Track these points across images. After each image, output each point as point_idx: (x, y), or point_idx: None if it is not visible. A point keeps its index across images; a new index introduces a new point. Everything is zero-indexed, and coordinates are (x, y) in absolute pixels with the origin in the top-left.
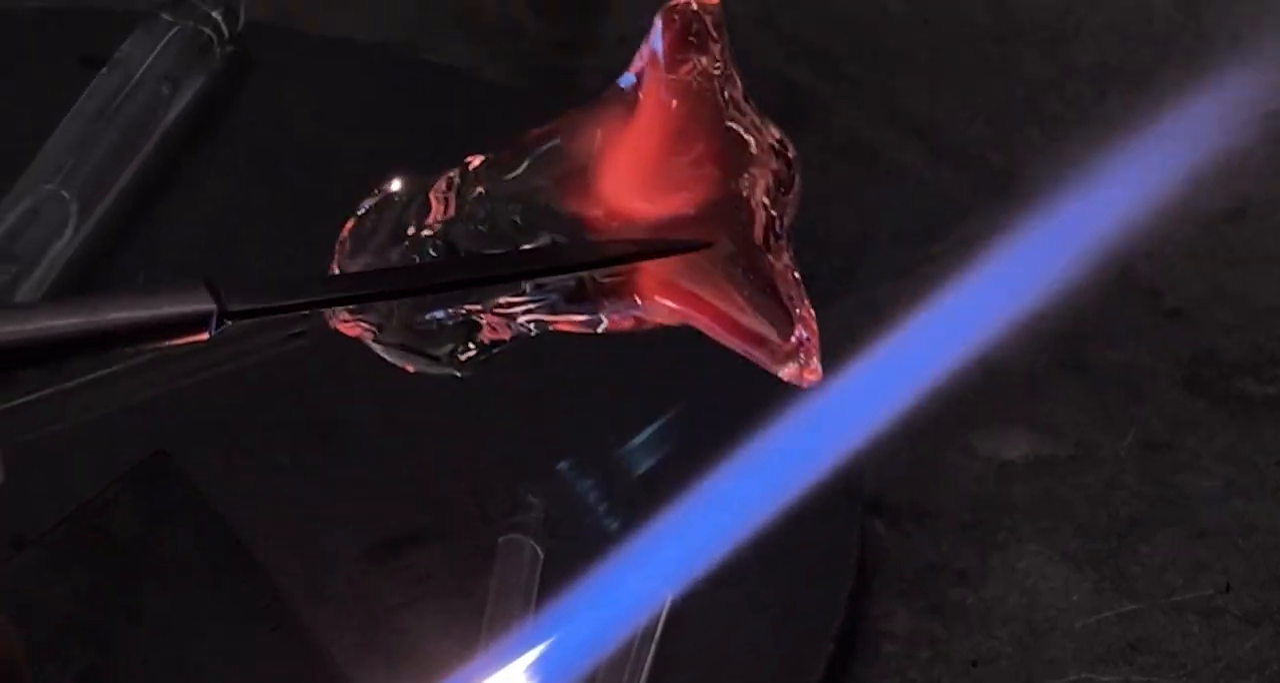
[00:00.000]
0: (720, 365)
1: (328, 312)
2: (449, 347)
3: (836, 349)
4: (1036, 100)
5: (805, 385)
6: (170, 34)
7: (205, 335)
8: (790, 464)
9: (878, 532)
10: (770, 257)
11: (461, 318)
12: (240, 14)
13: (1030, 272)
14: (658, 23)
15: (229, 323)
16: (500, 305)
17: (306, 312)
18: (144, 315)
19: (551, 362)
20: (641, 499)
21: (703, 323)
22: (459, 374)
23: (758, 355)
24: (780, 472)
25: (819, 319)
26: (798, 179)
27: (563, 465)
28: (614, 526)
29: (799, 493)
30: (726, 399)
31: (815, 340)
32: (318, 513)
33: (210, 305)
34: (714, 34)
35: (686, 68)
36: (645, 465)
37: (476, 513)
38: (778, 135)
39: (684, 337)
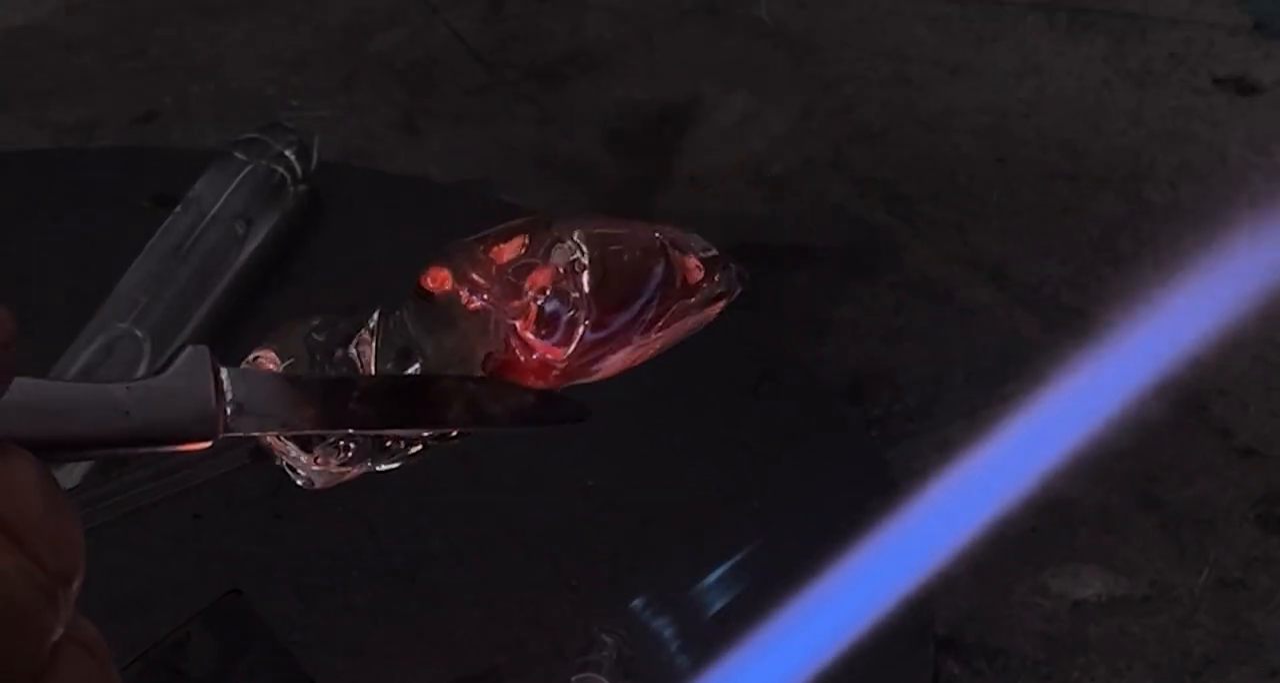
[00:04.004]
0: (791, 506)
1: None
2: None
3: (910, 487)
4: (1109, 239)
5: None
6: (243, 173)
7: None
8: (863, 603)
9: (951, 670)
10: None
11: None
12: (314, 153)
13: (1103, 410)
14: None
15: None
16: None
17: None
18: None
19: (624, 502)
20: (714, 638)
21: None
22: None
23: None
24: (853, 610)
25: (893, 457)
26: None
27: (636, 604)
28: (687, 664)
29: (872, 632)
30: (798, 539)
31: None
32: (392, 653)
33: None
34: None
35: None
36: (718, 605)
37: (551, 652)
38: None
39: (757, 481)
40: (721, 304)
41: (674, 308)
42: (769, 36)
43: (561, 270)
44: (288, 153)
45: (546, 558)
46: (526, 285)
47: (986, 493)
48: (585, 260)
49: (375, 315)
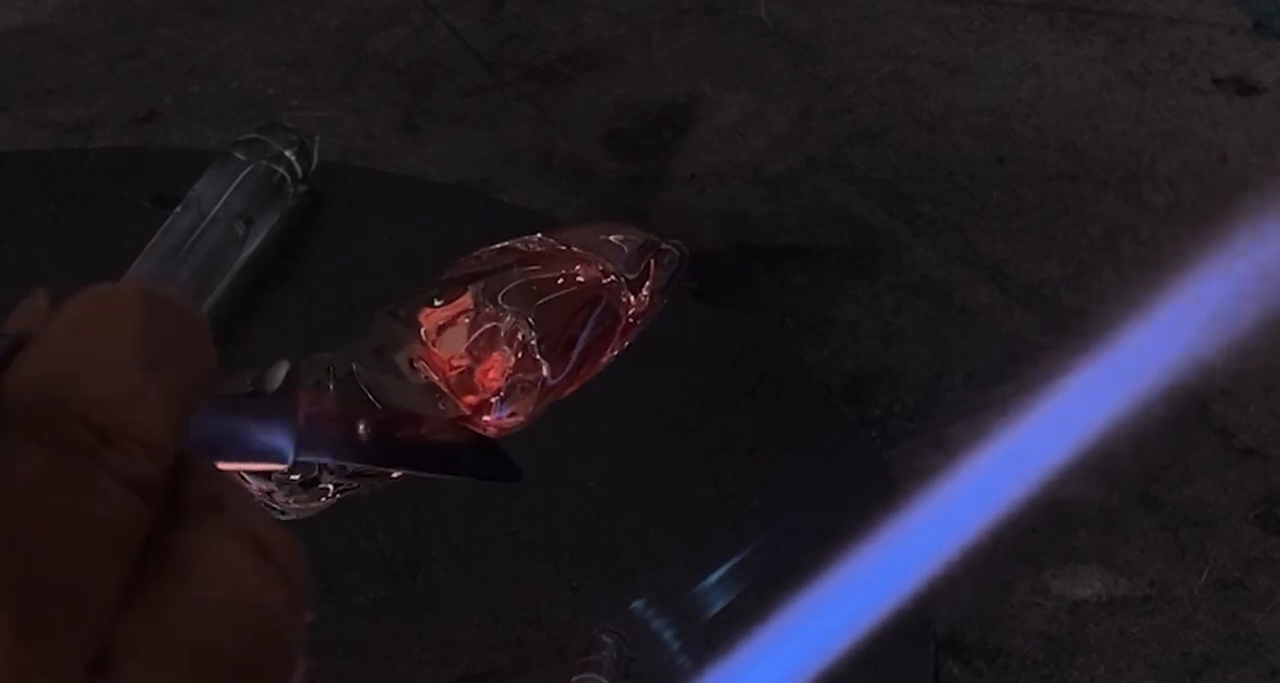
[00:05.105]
0: (791, 506)
1: None
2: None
3: (910, 487)
4: (1110, 239)
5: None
6: (244, 173)
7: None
8: (863, 603)
9: (951, 671)
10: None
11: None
12: (314, 153)
13: (1103, 410)
14: None
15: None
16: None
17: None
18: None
19: (624, 502)
20: (714, 638)
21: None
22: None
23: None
24: (853, 610)
25: (892, 457)
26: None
27: (636, 605)
28: (687, 664)
29: (872, 632)
30: (797, 539)
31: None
32: (392, 653)
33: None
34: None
35: None
36: (718, 605)
37: (552, 653)
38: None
39: (757, 481)
40: (668, 293)
41: (622, 326)
42: (769, 36)
43: (512, 353)
44: (288, 153)
45: (546, 558)
46: (479, 384)
47: (986, 493)
48: (532, 334)
49: (328, 371)
